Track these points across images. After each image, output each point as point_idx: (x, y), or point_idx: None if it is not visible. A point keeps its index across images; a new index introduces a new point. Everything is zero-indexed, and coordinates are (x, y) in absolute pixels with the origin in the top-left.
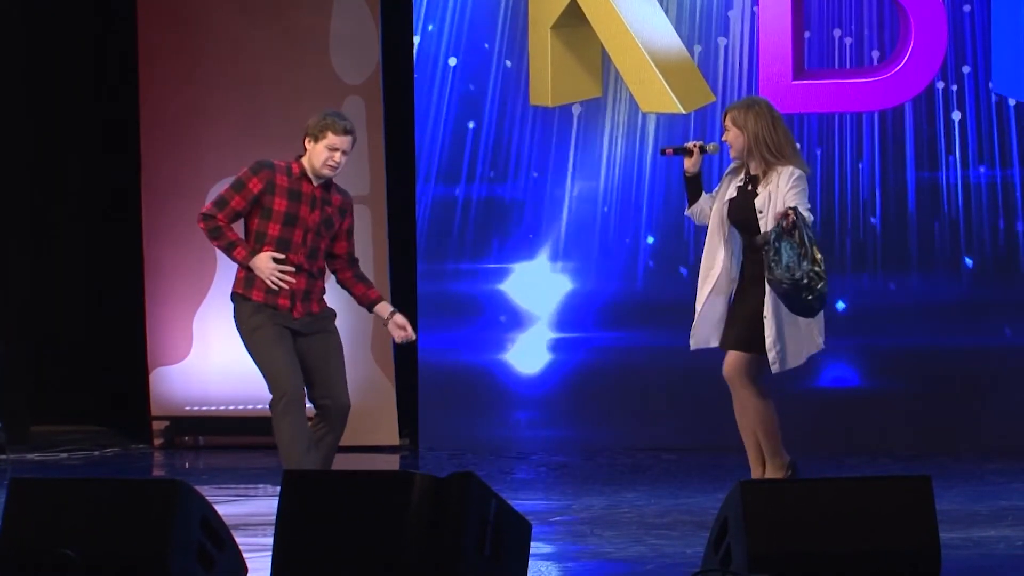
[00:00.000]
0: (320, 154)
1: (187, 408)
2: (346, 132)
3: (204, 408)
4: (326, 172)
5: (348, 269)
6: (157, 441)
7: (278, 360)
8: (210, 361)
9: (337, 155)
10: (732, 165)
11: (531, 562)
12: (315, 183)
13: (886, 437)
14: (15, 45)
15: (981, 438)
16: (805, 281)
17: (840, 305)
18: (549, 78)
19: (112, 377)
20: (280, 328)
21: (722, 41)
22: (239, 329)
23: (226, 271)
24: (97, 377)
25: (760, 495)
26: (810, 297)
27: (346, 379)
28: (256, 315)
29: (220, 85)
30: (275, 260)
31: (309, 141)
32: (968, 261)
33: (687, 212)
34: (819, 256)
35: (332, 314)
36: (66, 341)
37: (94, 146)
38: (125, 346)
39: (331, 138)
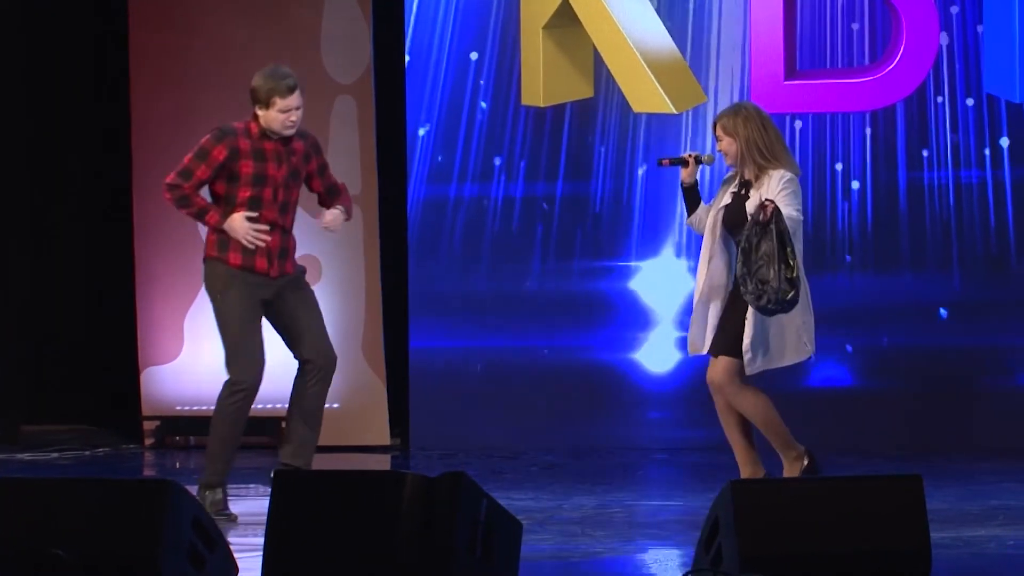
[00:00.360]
0: (275, 119)
1: (178, 408)
2: (291, 90)
3: (195, 408)
4: (288, 133)
5: (328, 199)
6: (148, 441)
7: (247, 343)
8: (201, 361)
9: (292, 114)
10: (729, 173)
11: (522, 562)
12: (275, 138)
13: (877, 437)
14: (15, 45)
15: (972, 438)
16: (770, 306)
17: (848, 348)
18: (541, 78)
19: (103, 377)
20: (254, 302)
21: (714, 41)
22: (211, 293)
23: None
24: (89, 377)
25: (751, 495)
26: (772, 307)
27: (327, 333)
28: (232, 282)
29: (211, 85)
30: (249, 219)
31: (260, 108)
32: (957, 271)
33: (687, 222)
34: (793, 262)
35: (303, 271)
36: (61, 342)
37: (94, 146)
38: (117, 346)
39: (280, 102)
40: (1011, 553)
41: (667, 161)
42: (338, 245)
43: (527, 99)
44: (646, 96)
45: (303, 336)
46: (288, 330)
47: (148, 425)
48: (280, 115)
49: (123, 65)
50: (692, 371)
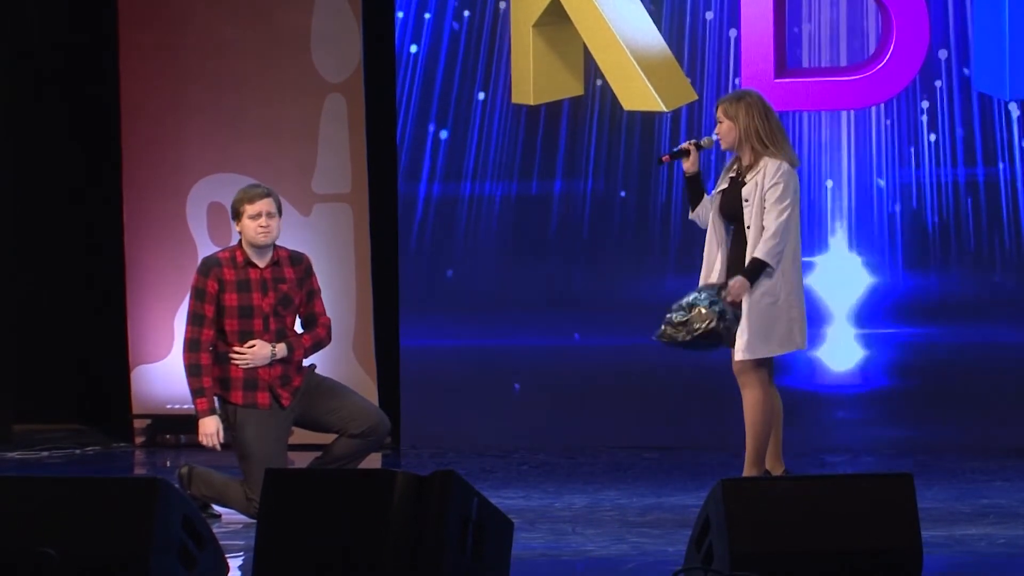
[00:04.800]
0: (249, 228)
1: (168, 406)
2: (263, 195)
3: (186, 406)
4: (262, 240)
5: (303, 328)
6: (138, 439)
7: (267, 462)
8: None
9: (263, 220)
10: (730, 160)
11: (513, 561)
12: (262, 265)
13: (868, 435)
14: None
15: (963, 436)
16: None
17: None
18: (531, 76)
19: (94, 376)
20: (274, 434)
21: (704, 39)
22: (227, 431)
23: None
24: (80, 376)
25: (742, 493)
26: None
27: (367, 399)
28: (245, 421)
29: (201, 83)
30: (244, 346)
31: (237, 224)
32: (952, 268)
33: (691, 217)
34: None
35: (311, 369)
36: (51, 340)
37: (83, 146)
38: (107, 345)
39: (249, 208)
40: (1002, 552)
41: (667, 157)
42: (329, 243)
43: (517, 97)
44: (636, 94)
45: (347, 417)
46: (332, 425)
47: (138, 424)
48: (252, 222)
49: (113, 64)
50: (689, 371)
